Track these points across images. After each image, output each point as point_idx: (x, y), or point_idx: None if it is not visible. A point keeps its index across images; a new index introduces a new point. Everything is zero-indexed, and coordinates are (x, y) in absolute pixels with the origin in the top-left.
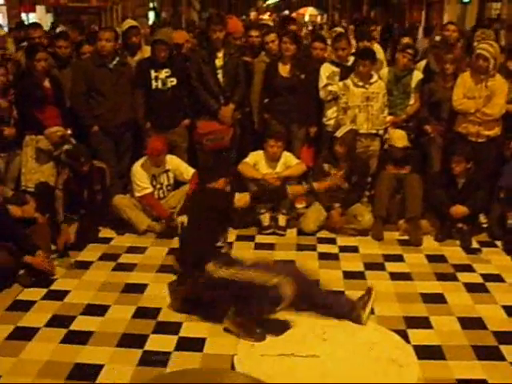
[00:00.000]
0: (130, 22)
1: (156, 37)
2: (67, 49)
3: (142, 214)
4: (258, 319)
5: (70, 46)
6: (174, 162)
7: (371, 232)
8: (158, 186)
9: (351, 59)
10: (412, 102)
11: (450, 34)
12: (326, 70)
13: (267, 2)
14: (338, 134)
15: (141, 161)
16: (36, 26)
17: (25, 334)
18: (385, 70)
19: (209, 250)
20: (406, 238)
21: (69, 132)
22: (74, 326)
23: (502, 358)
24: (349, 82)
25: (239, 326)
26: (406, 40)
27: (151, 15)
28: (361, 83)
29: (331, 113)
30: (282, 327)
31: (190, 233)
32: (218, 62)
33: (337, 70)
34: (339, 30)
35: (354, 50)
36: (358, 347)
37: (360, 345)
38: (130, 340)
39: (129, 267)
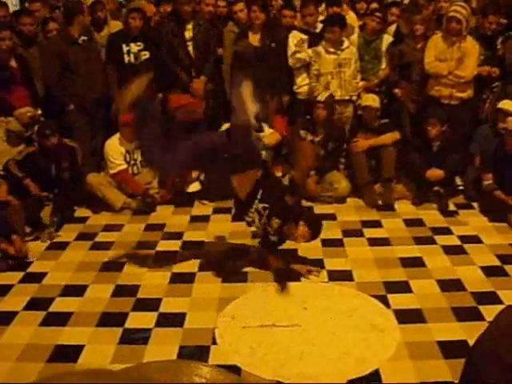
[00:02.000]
0: None
1: (131, 6)
2: (32, 26)
3: (117, 192)
4: None
5: (36, 23)
6: None
7: (365, 201)
8: (132, 161)
9: (319, 26)
10: (383, 66)
11: None
12: (295, 37)
13: None
14: (321, 98)
15: (114, 137)
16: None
17: (3, 319)
18: (355, 36)
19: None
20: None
21: (39, 112)
22: (52, 308)
23: (481, 318)
24: (320, 48)
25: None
26: (373, 5)
27: None
28: (332, 50)
29: (301, 80)
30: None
31: None
32: (188, 34)
33: (305, 37)
34: None
35: (323, 17)
36: (339, 314)
37: (340, 312)
38: (109, 319)
39: (106, 246)
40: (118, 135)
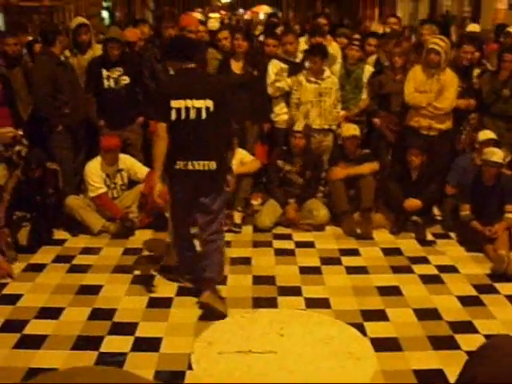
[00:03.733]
0: (79, 20)
1: (109, 35)
2: (16, 46)
3: (96, 215)
4: None
5: (20, 44)
6: (127, 161)
7: (344, 229)
8: (112, 185)
9: (300, 56)
10: (364, 96)
11: (391, 26)
12: (274, 66)
13: (222, 0)
14: (297, 127)
15: (94, 160)
16: None
17: None
18: (337, 66)
19: None
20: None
21: (20, 133)
22: (27, 330)
23: (457, 347)
24: (301, 77)
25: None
26: (355, 36)
27: (105, 14)
28: (313, 79)
29: (279, 109)
30: None
31: None
32: None
33: (285, 66)
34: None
35: (307, 47)
36: (316, 342)
37: (317, 339)
38: (85, 342)
39: (83, 268)
40: (98, 158)
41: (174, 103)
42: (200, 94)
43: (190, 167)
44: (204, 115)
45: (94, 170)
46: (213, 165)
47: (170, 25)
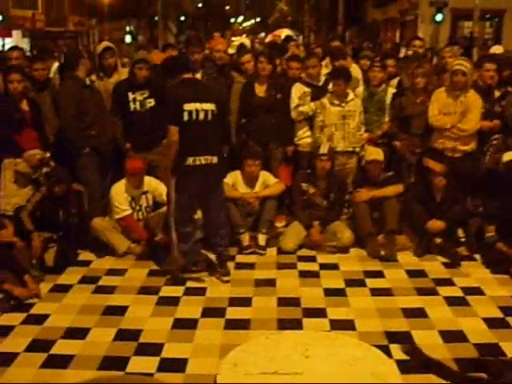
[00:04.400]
0: (105, 44)
1: (137, 57)
2: (44, 71)
3: (122, 236)
4: None
5: (47, 68)
6: (152, 183)
7: (368, 251)
8: (138, 207)
9: (323, 79)
10: (387, 118)
11: (416, 49)
12: (298, 90)
13: (243, 25)
14: (322, 150)
15: (120, 183)
16: (14, 48)
17: (4, 359)
18: (360, 88)
19: None
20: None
21: (47, 155)
22: (54, 350)
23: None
24: (325, 100)
25: None
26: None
27: (128, 39)
28: (337, 102)
29: (302, 132)
30: None
31: None
32: None
33: (308, 90)
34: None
35: (329, 70)
36: (341, 363)
37: (342, 361)
38: (111, 363)
39: (109, 289)
40: (124, 181)
41: (187, 106)
42: (206, 98)
43: (198, 162)
44: (210, 116)
45: (119, 192)
46: (215, 159)
47: (196, 50)
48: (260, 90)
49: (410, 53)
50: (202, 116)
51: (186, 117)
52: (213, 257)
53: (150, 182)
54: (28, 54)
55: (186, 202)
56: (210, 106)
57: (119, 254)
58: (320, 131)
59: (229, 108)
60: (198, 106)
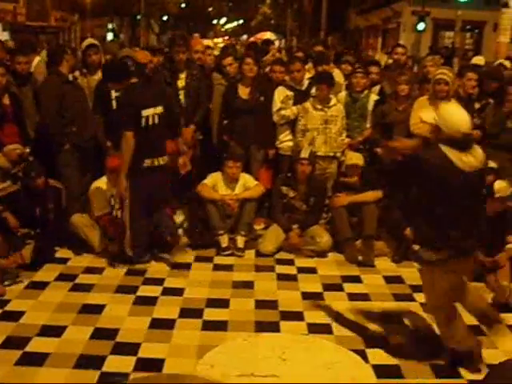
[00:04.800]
0: (89, 41)
1: (122, 54)
2: (26, 65)
3: (99, 234)
4: None
5: (30, 62)
6: None
7: (346, 256)
8: (117, 206)
9: (306, 83)
10: (369, 125)
11: (399, 56)
12: (281, 93)
13: (225, 27)
14: (303, 154)
15: (100, 180)
16: None
17: None
18: (342, 94)
19: None
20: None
21: (27, 150)
22: (29, 348)
23: (459, 375)
24: (308, 104)
25: None
26: (357, 65)
27: (110, 36)
28: (319, 106)
29: (283, 136)
30: None
31: None
32: (180, 83)
33: (291, 93)
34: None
35: (311, 75)
36: (317, 367)
37: (319, 364)
38: (87, 361)
39: (86, 288)
40: (104, 179)
41: (145, 112)
42: (157, 102)
43: (156, 163)
44: (161, 119)
45: (99, 189)
46: (166, 159)
47: (181, 49)
48: (244, 91)
49: (391, 61)
50: (156, 120)
51: (143, 123)
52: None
53: None
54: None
55: (141, 201)
56: (160, 109)
57: (96, 251)
58: (302, 135)
59: (176, 105)
60: (152, 110)
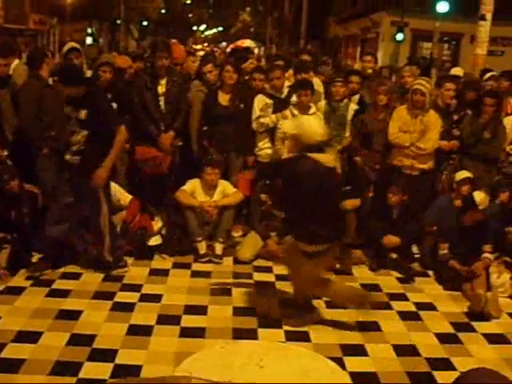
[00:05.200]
0: (71, 44)
1: (101, 60)
2: (6, 67)
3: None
4: None
5: (9, 64)
6: (111, 187)
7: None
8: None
9: (285, 91)
10: (348, 134)
11: (365, 64)
12: (260, 101)
13: (205, 33)
14: None
15: None
16: None
17: None
18: (322, 102)
19: None
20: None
21: (5, 153)
22: (4, 354)
23: (434, 383)
24: (288, 112)
25: None
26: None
27: (89, 40)
28: (299, 114)
29: (262, 144)
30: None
31: None
32: (161, 89)
33: (270, 101)
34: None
35: (291, 83)
36: (295, 374)
37: (297, 372)
38: (63, 368)
39: (63, 293)
40: None
41: None
42: None
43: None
44: None
45: None
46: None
47: (163, 55)
48: (224, 98)
49: (370, 71)
50: None
51: None
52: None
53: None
54: None
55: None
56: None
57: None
58: (281, 143)
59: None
60: None
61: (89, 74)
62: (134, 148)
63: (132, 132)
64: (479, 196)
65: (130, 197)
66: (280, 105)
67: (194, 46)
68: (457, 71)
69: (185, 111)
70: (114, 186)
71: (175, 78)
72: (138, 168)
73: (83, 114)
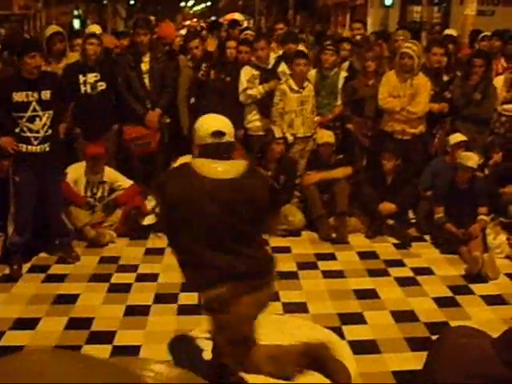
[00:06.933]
0: (53, 28)
1: (88, 32)
2: None
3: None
4: None
5: None
6: (111, 174)
7: (319, 234)
8: (89, 194)
9: (271, 62)
10: (339, 102)
11: (355, 32)
12: (247, 73)
13: (193, 9)
14: (278, 134)
15: (78, 164)
16: None
17: None
18: (312, 72)
19: None
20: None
21: None
22: (3, 342)
23: None
24: (285, 87)
25: None
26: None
27: (76, 23)
28: (296, 88)
29: (251, 116)
30: None
31: None
32: (144, 67)
33: (257, 73)
34: None
35: (279, 54)
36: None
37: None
38: None
39: (59, 278)
40: (83, 163)
41: None
42: None
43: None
44: None
45: (75, 170)
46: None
47: (142, 31)
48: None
49: (358, 37)
50: None
51: None
52: None
53: (109, 173)
54: None
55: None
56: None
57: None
58: (281, 119)
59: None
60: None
61: (73, 57)
62: (121, 128)
63: (119, 112)
64: (472, 157)
65: (130, 182)
66: (267, 75)
67: (183, 22)
68: (451, 31)
69: (171, 87)
70: (114, 174)
71: (159, 55)
72: (127, 148)
73: (48, 94)
